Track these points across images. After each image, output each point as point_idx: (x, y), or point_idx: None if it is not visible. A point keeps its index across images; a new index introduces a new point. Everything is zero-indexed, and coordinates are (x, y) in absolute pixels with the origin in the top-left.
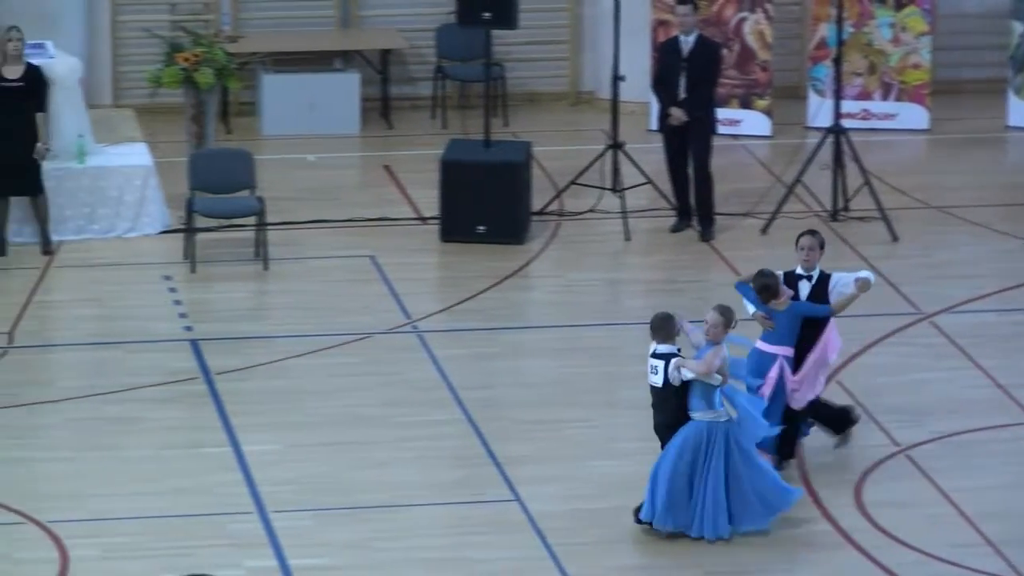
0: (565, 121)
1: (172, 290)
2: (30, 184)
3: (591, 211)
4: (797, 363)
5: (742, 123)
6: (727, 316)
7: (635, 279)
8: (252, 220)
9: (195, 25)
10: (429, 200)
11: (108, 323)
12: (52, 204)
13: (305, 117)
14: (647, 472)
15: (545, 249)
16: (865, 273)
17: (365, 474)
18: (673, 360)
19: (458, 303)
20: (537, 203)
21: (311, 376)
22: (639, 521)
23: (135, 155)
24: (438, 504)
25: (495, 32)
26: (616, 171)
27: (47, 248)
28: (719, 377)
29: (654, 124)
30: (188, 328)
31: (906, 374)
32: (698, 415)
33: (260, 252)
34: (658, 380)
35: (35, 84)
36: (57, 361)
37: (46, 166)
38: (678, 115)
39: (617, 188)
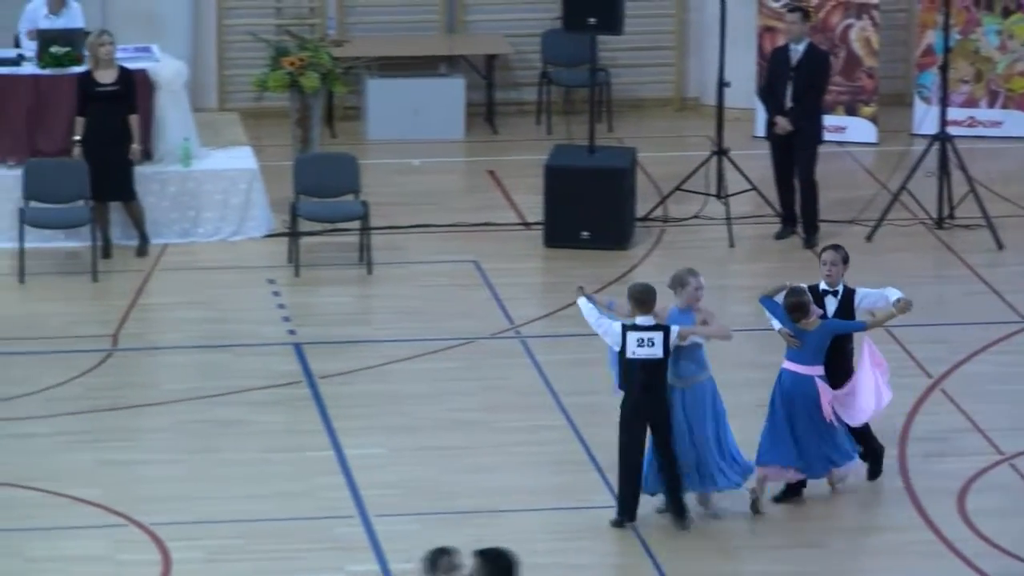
0: (670, 127)
1: (276, 293)
2: (123, 189)
3: (695, 217)
4: (831, 379)
5: (848, 130)
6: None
7: (739, 285)
8: (356, 224)
9: (301, 29)
10: (533, 205)
11: (212, 326)
12: (157, 207)
13: (410, 122)
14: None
15: (649, 255)
16: (897, 292)
17: (468, 479)
18: (675, 329)
19: (561, 308)
20: (641, 209)
21: (414, 380)
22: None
23: (240, 158)
24: (541, 510)
25: (600, 37)
26: (721, 177)
27: (142, 250)
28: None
29: (759, 131)
30: (292, 332)
31: (1010, 383)
32: (702, 377)
33: (364, 256)
34: (658, 352)
35: (128, 87)
36: (161, 363)
37: (151, 169)
38: (783, 124)
39: (721, 194)
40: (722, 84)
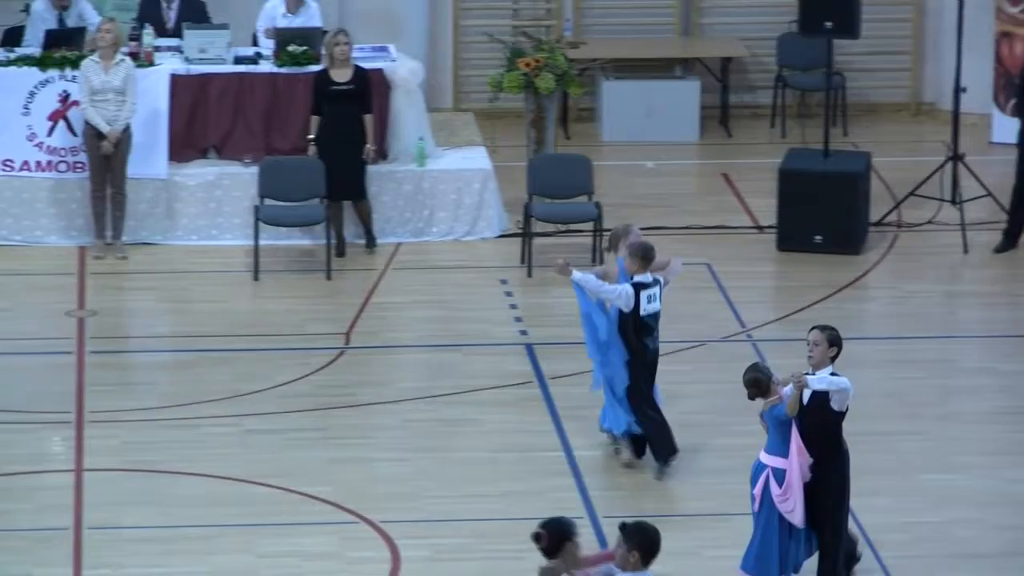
0: (905, 132)
1: (508, 294)
2: (355, 188)
3: (929, 223)
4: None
5: None
6: None
7: (972, 292)
8: (589, 225)
9: (537, 31)
10: (766, 209)
11: (445, 325)
12: (391, 206)
13: (644, 124)
14: (983, 486)
15: (882, 260)
16: (848, 383)
17: (694, 481)
18: (662, 279)
19: (793, 313)
20: (875, 214)
21: None
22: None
23: (474, 159)
24: None
25: (836, 41)
26: (955, 183)
27: (369, 249)
28: None
29: (996, 136)
30: (523, 332)
31: None
32: None
33: (597, 258)
34: (657, 304)
35: (363, 86)
36: (392, 362)
37: (385, 168)
38: None
39: (956, 200)
40: (959, 89)
